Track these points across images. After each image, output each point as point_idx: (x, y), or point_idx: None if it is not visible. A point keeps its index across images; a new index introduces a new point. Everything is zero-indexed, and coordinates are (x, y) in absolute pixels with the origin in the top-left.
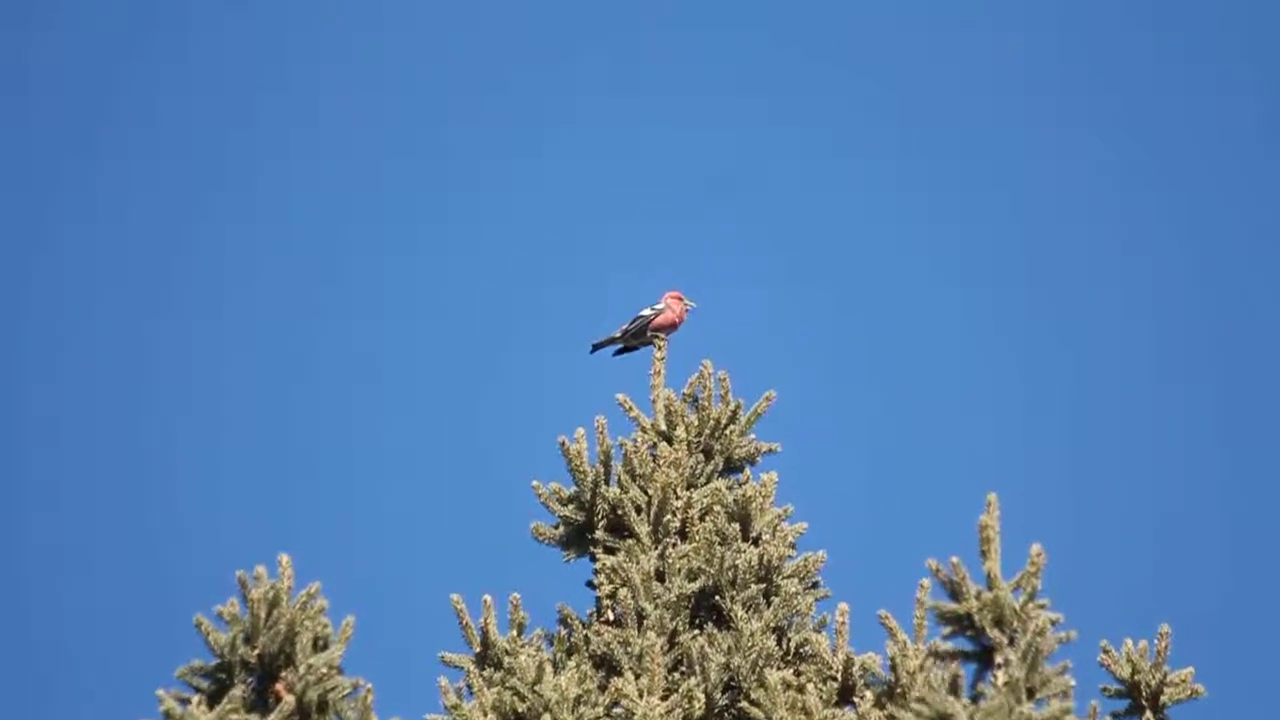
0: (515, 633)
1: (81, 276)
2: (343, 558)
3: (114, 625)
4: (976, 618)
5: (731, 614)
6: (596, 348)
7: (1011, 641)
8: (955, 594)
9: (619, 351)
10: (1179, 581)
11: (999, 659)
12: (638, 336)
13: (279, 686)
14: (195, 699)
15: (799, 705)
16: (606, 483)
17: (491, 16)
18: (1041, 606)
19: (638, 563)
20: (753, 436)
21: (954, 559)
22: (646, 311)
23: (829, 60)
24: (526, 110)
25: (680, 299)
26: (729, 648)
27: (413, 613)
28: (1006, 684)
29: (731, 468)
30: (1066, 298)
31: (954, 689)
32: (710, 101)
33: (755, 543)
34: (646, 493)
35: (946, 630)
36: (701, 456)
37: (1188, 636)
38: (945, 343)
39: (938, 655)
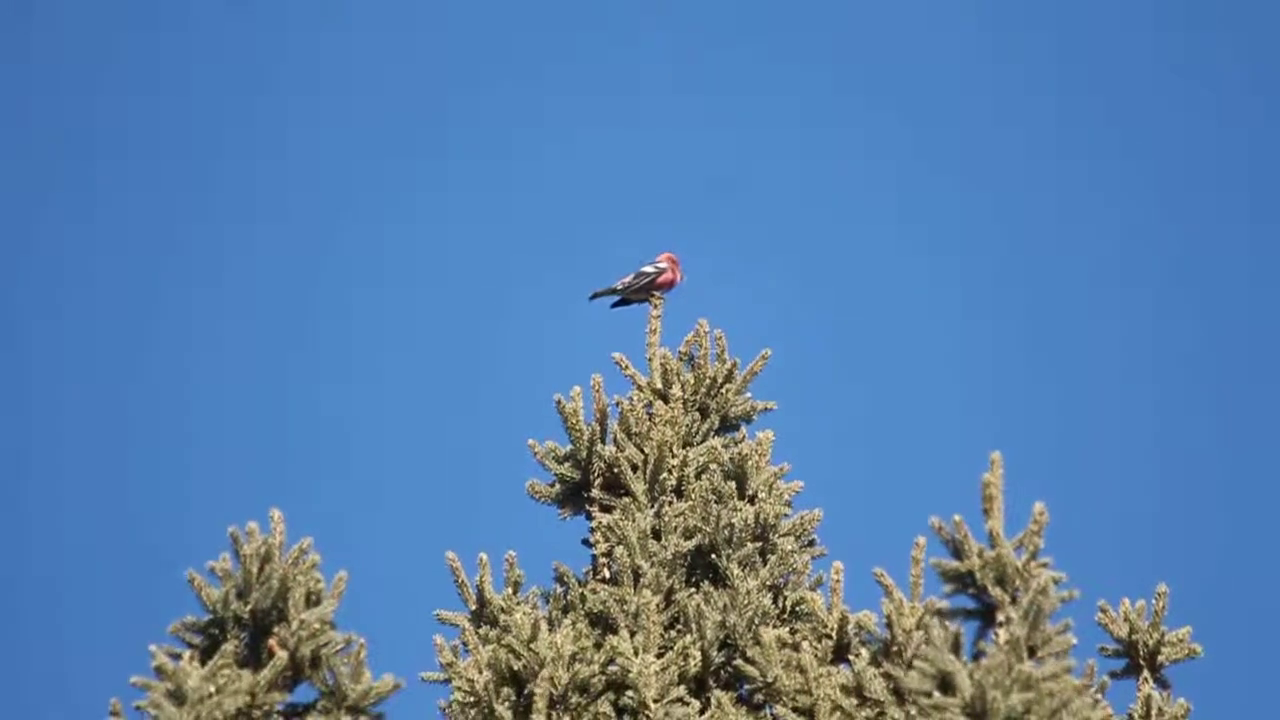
0: (511, 590)
1: (80, 276)
2: (337, 515)
3: (105, 583)
4: (978, 576)
5: (727, 572)
6: (596, 295)
7: (1013, 600)
8: (957, 552)
9: (616, 304)
10: (1177, 541)
11: (1001, 617)
12: (638, 293)
13: (272, 642)
14: (187, 654)
15: (794, 663)
16: (603, 441)
17: (492, 16)
18: (1044, 565)
19: (634, 521)
20: (749, 395)
21: (956, 517)
22: (649, 269)
23: (828, 60)
24: (526, 110)
25: (676, 264)
26: (725, 605)
27: (408, 570)
28: (1008, 642)
29: (727, 426)
30: (1066, 296)
31: (955, 647)
32: (710, 101)
33: (751, 501)
34: (642, 451)
35: (948, 588)
36: (697, 415)
37: (1185, 596)
38: (944, 341)
39: (939, 613)
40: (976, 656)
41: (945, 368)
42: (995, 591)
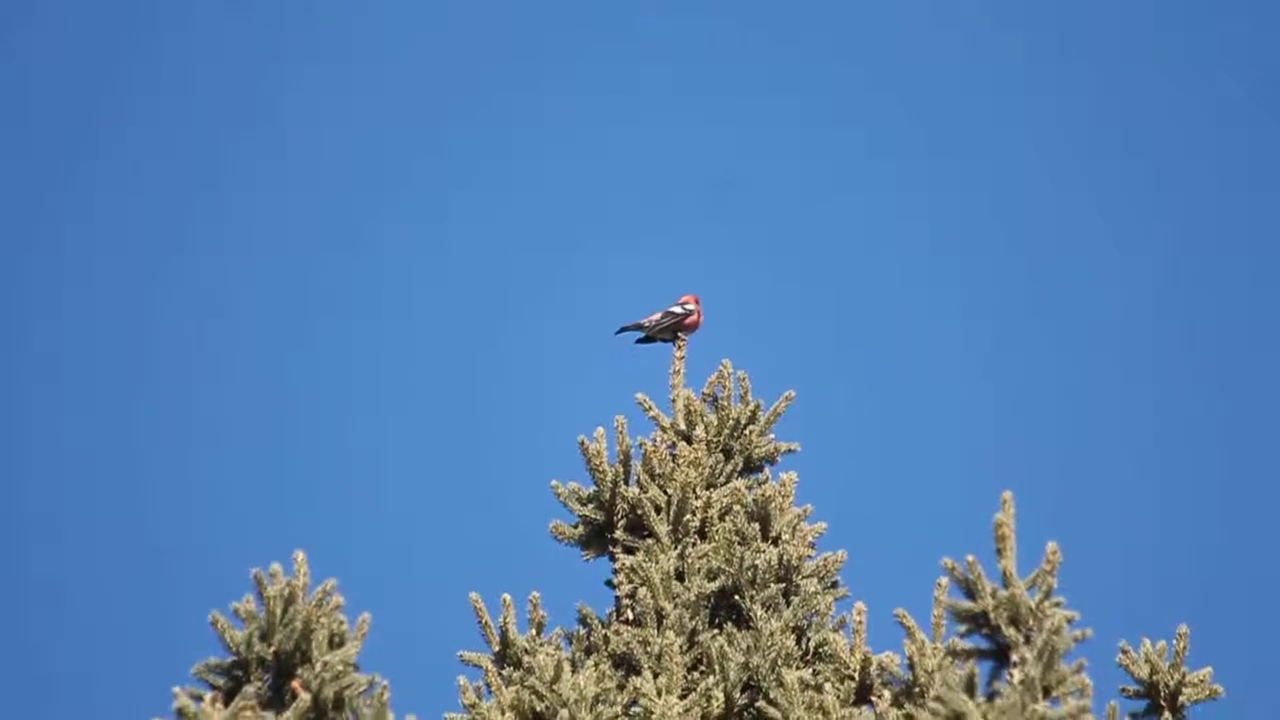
0: (534, 632)
1: (81, 277)
2: (358, 556)
3: (123, 624)
4: (992, 616)
5: (751, 613)
6: (622, 330)
7: (1027, 640)
8: (971, 592)
9: (641, 340)
10: (1197, 579)
11: (1015, 657)
12: (663, 332)
13: (295, 684)
14: (210, 696)
15: (817, 705)
16: (626, 482)
17: (492, 17)
18: (1057, 604)
19: (657, 562)
20: (772, 436)
21: (969, 557)
22: (677, 310)
23: (830, 60)
24: (527, 110)
25: (698, 302)
26: (748, 647)
27: (431, 611)
28: (1022, 682)
29: (751, 467)
30: (1066, 296)
31: (969, 687)
32: (710, 101)
33: (775, 542)
34: (666, 492)
35: (963, 628)
36: (721, 456)
37: (1204, 634)
38: (946, 342)
39: (954, 653)
40: (991, 696)
41: (948, 369)
42: (1009, 631)
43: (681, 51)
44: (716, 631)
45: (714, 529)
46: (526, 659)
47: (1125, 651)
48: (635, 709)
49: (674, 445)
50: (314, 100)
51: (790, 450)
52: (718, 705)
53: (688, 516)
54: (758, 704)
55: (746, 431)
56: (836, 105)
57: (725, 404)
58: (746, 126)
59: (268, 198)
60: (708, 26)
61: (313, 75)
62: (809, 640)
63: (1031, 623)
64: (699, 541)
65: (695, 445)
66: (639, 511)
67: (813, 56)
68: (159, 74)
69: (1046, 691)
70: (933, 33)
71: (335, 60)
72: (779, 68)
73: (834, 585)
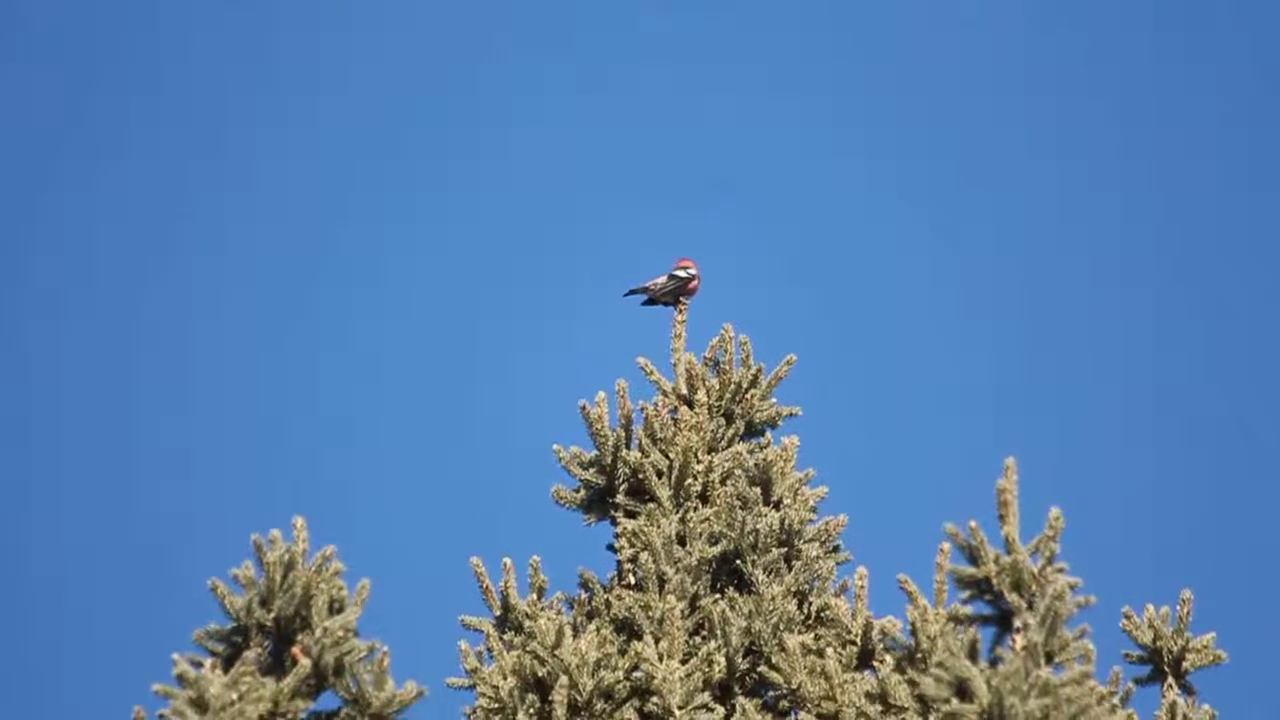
0: (535, 596)
1: (79, 276)
2: (358, 524)
3: (124, 623)
4: (995, 582)
5: (752, 578)
6: (629, 293)
7: (1030, 606)
8: (973, 558)
9: (645, 303)
10: (1200, 544)
11: (1017, 623)
12: (666, 295)
13: (295, 649)
14: (210, 662)
15: (819, 669)
16: (627, 446)
17: (491, 15)
18: (1060, 570)
19: (659, 527)
20: (774, 400)
21: (972, 523)
22: (681, 274)
23: (830, 60)
24: (525, 109)
25: (695, 266)
26: (750, 612)
27: (432, 575)
28: (1025, 648)
29: (753, 432)
30: (1066, 294)
31: (972, 653)
32: (710, 101)
33: (776, 507)
34: (667, 457)
35: (965, 594)
36: (723, 420)
37: (1208, 601)
38: (947, 341)
39: (957, 619)
40: (994, 662)
41: (949, 366)
42: (1012, 597)
43: (681, 51)
44: (718, 596)
45: (715, 493)
46: (528, 623)
47: (1128, 617)
48: (637, 674)
49: (675, 409)
50: (313, 100)
51: (792, 414)
52: (719, 670)
53: (689, 481)
54: (759, 669)
55: (748, 396)
56: (836, 105)
57: (727, 368)
58: (746, 126)
59: (267, 197)
60: (708, 26)
61: (312, 75)
62: (811, 605)
63: (1034, 589)
64: (700, 506)
65: (697, 409)
66: (640, 476)
67: (813, 56)
68: (154, 73)
69: (1050, 657)
70: (933, 33)
71: (335, 60)
72: (779, 68)
73: (836, 549)
